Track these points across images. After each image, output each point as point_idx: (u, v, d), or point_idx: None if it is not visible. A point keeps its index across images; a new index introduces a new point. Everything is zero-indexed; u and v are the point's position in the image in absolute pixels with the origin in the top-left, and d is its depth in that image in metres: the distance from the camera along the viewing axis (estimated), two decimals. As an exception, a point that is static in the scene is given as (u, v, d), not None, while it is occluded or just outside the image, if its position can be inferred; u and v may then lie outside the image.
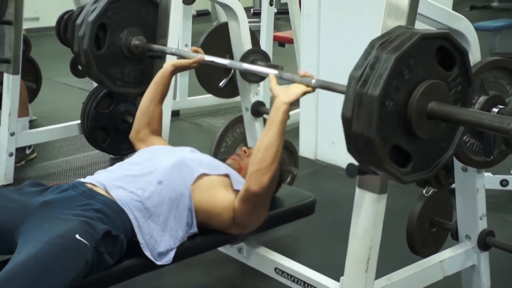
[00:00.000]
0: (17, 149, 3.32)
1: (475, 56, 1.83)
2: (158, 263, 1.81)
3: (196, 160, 1.96)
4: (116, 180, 1.85)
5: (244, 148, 2.16)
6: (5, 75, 3.22)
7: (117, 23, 2.45)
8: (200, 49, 2.23)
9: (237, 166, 2.07)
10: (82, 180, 1.87)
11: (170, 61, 2.21)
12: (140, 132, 2.17)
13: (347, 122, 1.44)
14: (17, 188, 1.84)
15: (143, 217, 1.79)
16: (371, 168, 1.49)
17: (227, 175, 1.95)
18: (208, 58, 2.20)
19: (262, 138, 1.79)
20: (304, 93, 1.78)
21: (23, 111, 3.46)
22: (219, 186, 1.91)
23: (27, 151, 3.56)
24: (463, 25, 1.80)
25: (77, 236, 1.60)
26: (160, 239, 1.81)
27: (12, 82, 3.19)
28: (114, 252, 1.73)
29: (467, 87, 1.54)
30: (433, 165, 1.54)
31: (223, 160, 2.12)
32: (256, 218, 1.90)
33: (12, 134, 3.21)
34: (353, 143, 1.45)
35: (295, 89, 1.77)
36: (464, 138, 1.81)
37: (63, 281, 1.55)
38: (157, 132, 2.19)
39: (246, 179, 1.82)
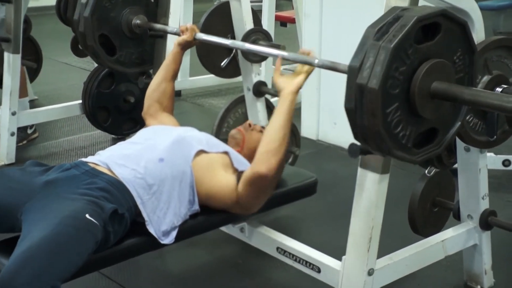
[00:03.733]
0: (19, 129, 3.32)
1: (479, 35, 1.81)
2: (162, 242, 1.81)
3: (195, 137, 1.97)
4: (118, 159, 1.85)
5: (250, 121, 2.17)
6: (6, 54, 3.20)
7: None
8: (191, 26, 2.22)
9: (241, 136, 2.08)
10: (84, 159, 1.88)
11: (176, 40, 2.24)
12: (150, 107, 2.19)
13: (350, 114, 1.43)
14: (20, 168, 1.85)
15: (146, 194, 1.80)
16: (380, 154, 1.49)
17: (226, 153, 1.95)
18: (210, 38, 2.19)
19: (271, 123, 1.84)
20: (306, 78, 1.82)
21: (22, 92, 3.45)
22: (218, 164, 1.91)
23: (29, 131, 3.56)
24: (467, 4, 1.78)
25: (87, 216, 1.61)
26: (163, 216, 1.81)
27: (13, 61, 3.17)
28: (120, 230, 1.74)
29: (470, 57, 1.52)
30: (442, 140, 1.53)
31: (225, 140, 2.12)
32: (260, 201, 1.91)
33: (13, 114, 3.21)
34: (359, 132, 1.44)
35: (298, 79, 1.85)
36: (467, 117, 1.80)
37: (77, 261, 1.56)
38: (168, 109, 2.21)
39: (254, 162, 1.82)
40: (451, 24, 1.46)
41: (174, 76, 2.23)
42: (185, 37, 2.20)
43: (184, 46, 2.23)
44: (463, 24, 1.49)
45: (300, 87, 1.86)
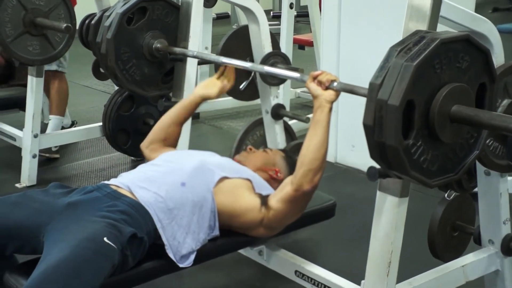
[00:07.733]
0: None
1: (498, 58, 1.81)
2: (180, 265, 1.82)
3: (217, 163, 1.98)
4: (140, 181, 1.87)
5: (249, 147, 2.19)
6: (29, 78, 3.26)
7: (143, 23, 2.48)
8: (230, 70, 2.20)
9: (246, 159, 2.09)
10: (106, 182, 1.89)
11: (200, 92, 2.19)
12: (153, 142, 2.15)
13: (368, 131, 1.43)
14: (43, 190, 1.87)
15: (167, 219, 1.81)
16: (395, 174, 1.48)
17: (249, 180, 1.96)
18: (229, 61, 2.21)
19: (310, 139, 1.80)
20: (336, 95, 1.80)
21: (60, 110, 3.56)
22: (242, 188, 1.92)
23: (53, 148, 3.62)
24: (487, 28, 1.78)
25: (105, 239, 1.62)
26: (183, 241, 1.82)
27: (36, 85, 3.23)
28: (138, 254, 1.74)
29: (491, 87, 1.52)
30: (459, 167, 1.52)
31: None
32: (291, 220, 1.91)
33: (35, 136, 3.25)
34: (376, 151, 1.44)
35: (331, 90, 1.78)
36: (487, 141, 1.79)
37: (93, 283, 1.57)
38: (171, 146, 2.17)
39: (297, 180, 1.81)
40: (473, 50, 1.47)
41: (184, 122, 2.20)
42: (212, 94, 2.17)
43: (205, 100, 2.20)
44: (486, 52, 1.49)
45: (336, 98, 1.79)
